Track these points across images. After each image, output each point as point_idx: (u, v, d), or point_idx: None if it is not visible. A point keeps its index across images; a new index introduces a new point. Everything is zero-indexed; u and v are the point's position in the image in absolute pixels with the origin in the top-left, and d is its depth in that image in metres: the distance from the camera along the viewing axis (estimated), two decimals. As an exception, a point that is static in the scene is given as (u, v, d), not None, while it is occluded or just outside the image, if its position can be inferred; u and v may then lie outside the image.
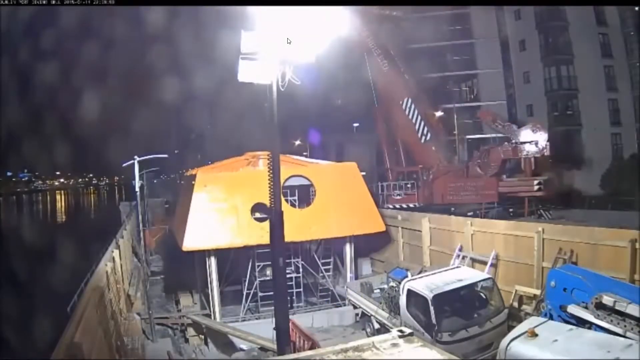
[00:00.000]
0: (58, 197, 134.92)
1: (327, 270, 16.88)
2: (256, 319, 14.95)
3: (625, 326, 7.90)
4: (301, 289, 16.40)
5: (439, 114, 28.50)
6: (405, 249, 18.33)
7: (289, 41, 8.11)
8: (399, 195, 25.04)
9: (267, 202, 8.74)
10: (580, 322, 8.61)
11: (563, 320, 9.00)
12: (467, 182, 23.58)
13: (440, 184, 24.21)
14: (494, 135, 28.72)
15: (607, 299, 8.22)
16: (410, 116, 24.95)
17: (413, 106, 24.85)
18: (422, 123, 24.84)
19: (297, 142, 43.18)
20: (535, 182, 21.19)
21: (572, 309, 8.78)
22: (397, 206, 23.76)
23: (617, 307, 8.07)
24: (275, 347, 10.21)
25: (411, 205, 24.31)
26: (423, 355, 4.06)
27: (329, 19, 8.42)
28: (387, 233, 17.88)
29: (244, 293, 15.53)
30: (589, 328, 8.32)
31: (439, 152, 25.22)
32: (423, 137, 24.91)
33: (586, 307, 8.57)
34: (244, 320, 14.90)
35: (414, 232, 17.48)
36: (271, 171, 8.54)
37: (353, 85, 28.91)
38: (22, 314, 18.24)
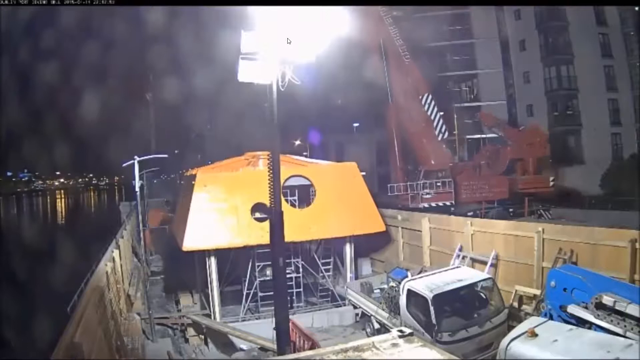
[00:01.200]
0: (58, 197, 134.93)
1: (327, 270, 16.86)
2: (256, 319, 14.93)
3: (625, 326, 7.91)
4: (301, 289, 16.38)
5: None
6: (405, 249, 18.33)
7: (289, 41, 8.11)
8: (428, 194, 24.12)
9: (267, 202, 8.74)
10: (580, 322, 8.61)
11: (563, 320, 9.00)
12: (480, 180, 23.83)
13: (457, 182, 24.26)
14: (494, 135, 28.79)
15: (607, 299, 8.22)
16: (429, 112, 24.77)
17: (433, 102, 24.68)
18: (441, 120, 24.74)
19: (297, 142, 43.19)
20: (551, 178, 22.88)
21: (572, 309, 8.78)
22: (433, 204, 23.22)
23: (617, 307, 8.07)
24: (275, 347, 10.21)
25: (447, 203, 23.73)
26: (423, 355, 4.06)
27: (329, 19, 8.42)
28: (387, 233, 17.87)
29: (244, 293, 15.52)
30: (589, 328, 8.32)
31: (449, 151, 25.35)
32: (440, 135, 24.83)
33: (586, 307, 8.56)
34: (244, 320, 14.88)
35: (414, 232, 17.47)
36: (271, 171, 8.54)
37: (353, 85, 28.88)
38: (22, 314, 18.24)
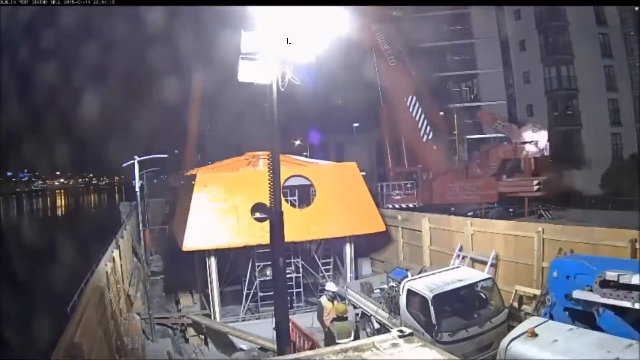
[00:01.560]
0: (58, 197, 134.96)
1: (327, 270, 16.87)
2: (256, 319, 14.94)
3: (632, 298, 7.71)
4: (301, 289, 16.39)
5: (440, 113, 28.52)
6: (405, 249, 18.32)
7: (289, 41, 8.10)
8: (398, 195, 25.28)
9: (267, 202, 8.74)
10: (588, 308, 8.45)
11: (568, 310, 8.93)
12: (467, 182, 23.56)
13: (440, 184, 24.26)
14: (494, 135, 28.77)
15: (611, 275, 8.01)
16: (414, 114, 24.94)
17: (417, 104, 24.84)
18: (425, 122, 24.84)
19: (297, 142, 43.19)
20: (535, 182, 21.23)
21: (578, 293, 8.58)
22: (397, 206, 23.93)
23: (621, 281, 7.84)
24: (275, 347, 10.21)
25: (410, 205, 24.42)
26: (423, 355, 4.06)
27: (329, 19, 8.42)
28: (387, 233, 17.87)
29: (244, 293, 15.53)
30: (597, 312, 8.22)
31: (440, 152, 25.19)
32: (425, 136, 24.93)
33: (591, 290, 8.43)
34: (244, 320, 14.89)
35: (414, 232, 17.47)
36: (271, 171, 8.53)
37: (353, 85, 28.93)
38: (22, 314, 18.24)
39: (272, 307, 10.59)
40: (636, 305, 7.60)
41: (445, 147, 26.23)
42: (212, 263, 15.10)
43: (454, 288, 10.63)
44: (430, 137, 24.89)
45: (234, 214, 14.91)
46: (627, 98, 30.31)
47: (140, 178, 21.32)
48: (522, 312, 11.75)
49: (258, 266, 15.32)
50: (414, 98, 24.82)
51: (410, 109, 24.89)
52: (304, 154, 35.83)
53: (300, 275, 16.40)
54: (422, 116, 24.83)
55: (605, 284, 8.15)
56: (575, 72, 31.79)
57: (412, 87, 25.19)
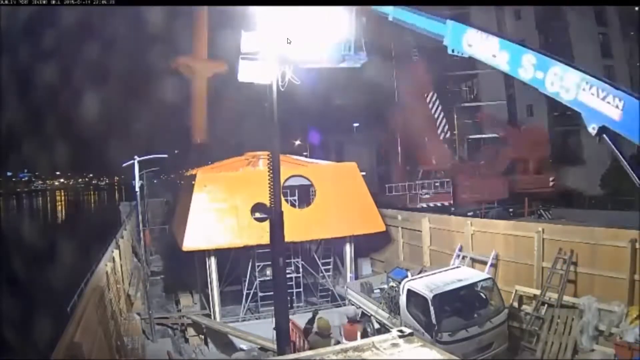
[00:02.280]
0: (58, 196, 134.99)
1: (327, 270, 16.87)
2: (256, 319, 14.94)
3: None
4: (301, 289, 16.39)
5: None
6: (405, 249, 18.31)
7: (289, 41, 8.11)
8: (427, 194, 24.68)
9: (267, 202, 8.74)
10: None
11: None
12: (480, 180, 23.75)
13: (456, 182, 24.29)
14: (494, 135, 28.77)
15: None
16: (433, 111, 24.82)
17: (438, 101, 24.72)
18: (444, 119, 24.77)
19: (297, 142, 43.20)
20: (551, 178, 22.79)
21: None
22: (429, 205, 23.55)
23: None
24: (275, 347, 10.21)
25: (446, 203, 23.95)
26: (423, 355, 4.05)
27: (328, 19, 8.42)
28: (387, 233, 17.87)
29: (244, 293, 15.52)
30: None
31: (450, 150, 25.31)
32: (442, 134, 24.86)
33: None
34: (244, 320, 14.89)
35: (414, 232, 17.46)
36: (271, 171, 8.54)
37: (353, 85, 28.92)
38: (22, 314, 18.24)
39: (272, 307, 10.59)
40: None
41: (452, 147, 26.28)
42: (212, 263, 15.11)
43: (454, 288, 10.63)
44: (447, 135, 24.84)
45: (234, 214, 14.91)
46: (627, 98, 30.30)
47: (140, 178, 21.27)
48: (522, 312, 11.76)
49: (258, 266, 15.32)
50: (435, 95, 24.65)
51: (430, 106, 24.70)
52: (304, 154, 35.83)
53: (300, 275, 16.39)
54: (442, 114, 24.72)
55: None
56: (575, 72, 31.77)
57: (434, 83, 25.08)
